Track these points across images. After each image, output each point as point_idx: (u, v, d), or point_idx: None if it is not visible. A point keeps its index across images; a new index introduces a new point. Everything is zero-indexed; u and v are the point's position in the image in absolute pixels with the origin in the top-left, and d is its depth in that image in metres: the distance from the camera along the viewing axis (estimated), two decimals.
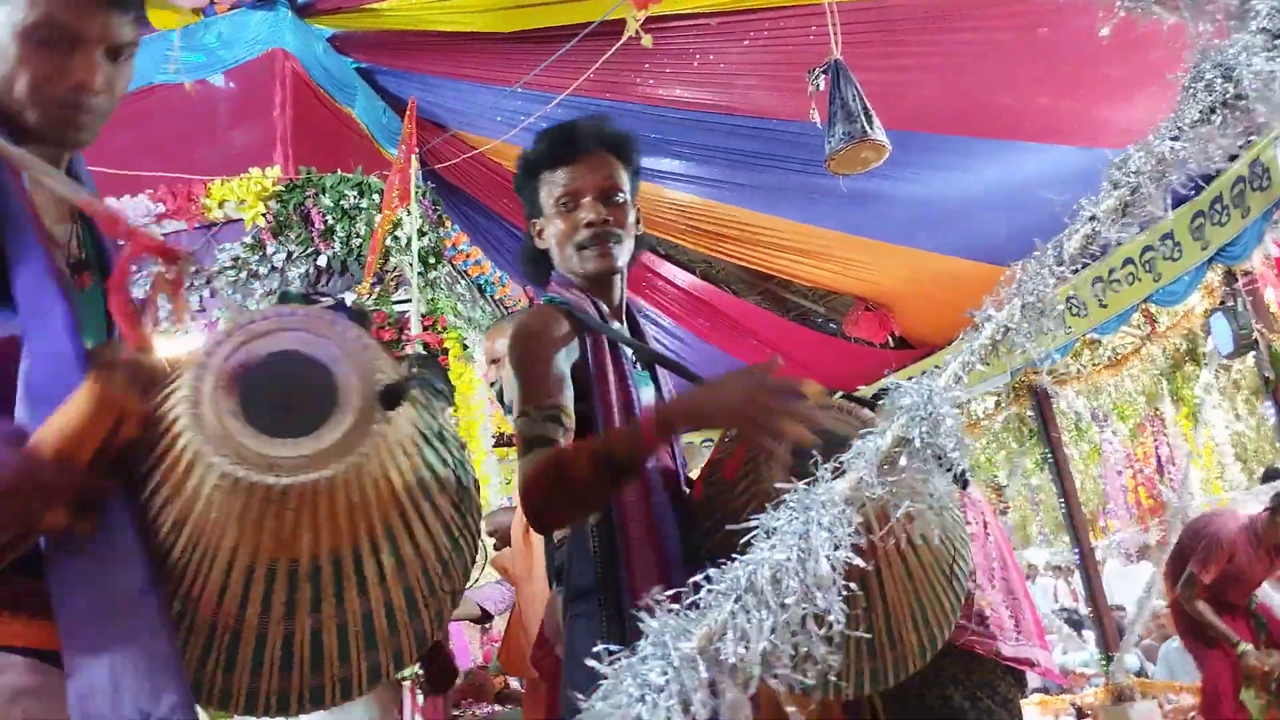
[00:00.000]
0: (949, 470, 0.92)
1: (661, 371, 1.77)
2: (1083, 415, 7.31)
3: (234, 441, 0.92)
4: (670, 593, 0.86)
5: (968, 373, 0.90)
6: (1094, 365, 6.73)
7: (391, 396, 0.96)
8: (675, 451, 1.71)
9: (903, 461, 0.90)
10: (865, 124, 3.75)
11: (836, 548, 0.87)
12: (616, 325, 1.71)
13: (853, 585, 0.89)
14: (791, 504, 0.90)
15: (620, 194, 1.69)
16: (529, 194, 1.75)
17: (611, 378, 1.60)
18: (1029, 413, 6.76)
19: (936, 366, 0.97)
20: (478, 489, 1.24)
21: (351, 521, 0.97)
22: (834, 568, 0.85)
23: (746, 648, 0.86)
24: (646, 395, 1.69)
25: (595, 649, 1.41)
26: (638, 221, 1.76)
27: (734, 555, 1.42)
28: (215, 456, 0.92)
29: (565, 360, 1.56)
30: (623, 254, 1.69)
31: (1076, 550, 6.41)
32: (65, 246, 1.19)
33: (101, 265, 1.24)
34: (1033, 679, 3.85)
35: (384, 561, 1.02)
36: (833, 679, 1.32)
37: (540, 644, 1.88)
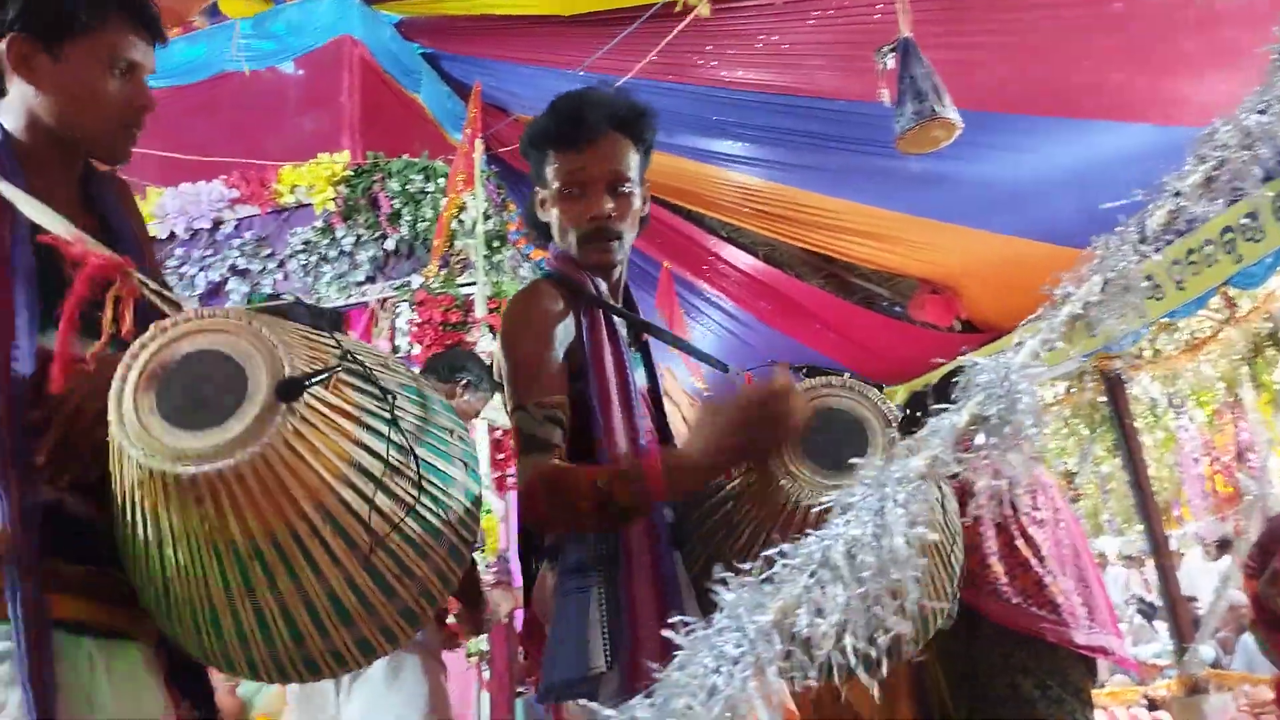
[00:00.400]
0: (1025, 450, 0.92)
1: (654, 352, 1.73)
2: (1158, 401, 7.12)
3: (149, 435, 1.01)
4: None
5: (1046, 350, 0.89)
6: (1171, 350, 6.54)
7: (287, 389, 1.01)
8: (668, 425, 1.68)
9: (979, 439, 0.90)
10: (936, 102, 3.69)
11: (913, 524, 0.87)
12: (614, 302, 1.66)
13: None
14: (867, 481, 0.90)
15: (627, 184, 1.61)
16: (534, 161, 1.67)
17: (608, 359, 1.54)
18: (1101, 398, 6.60)
19: (1019, 343, 0.96)
20: (468, 471, 1.25)
21: (276, 505, 1.02)
22: (909, 544, 0.85)
23: (821, 621, 0.86)
24: (640, 378, 1.64)
25: (589, 623, 1.41)
26: (645, 202, 1.67)
27: (716, 545, 1.42)
28: (132, 449, 1.01)
29: (562, 342, 1.52)
30: (623, 249, 1.63)
31: (1149, 539, 6.27)
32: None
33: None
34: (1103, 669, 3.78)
35: (331, 543, 1.06)
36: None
37: (531, 625, 1.85)
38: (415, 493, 1.13)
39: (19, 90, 1.30)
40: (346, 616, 1.11)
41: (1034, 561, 2.61)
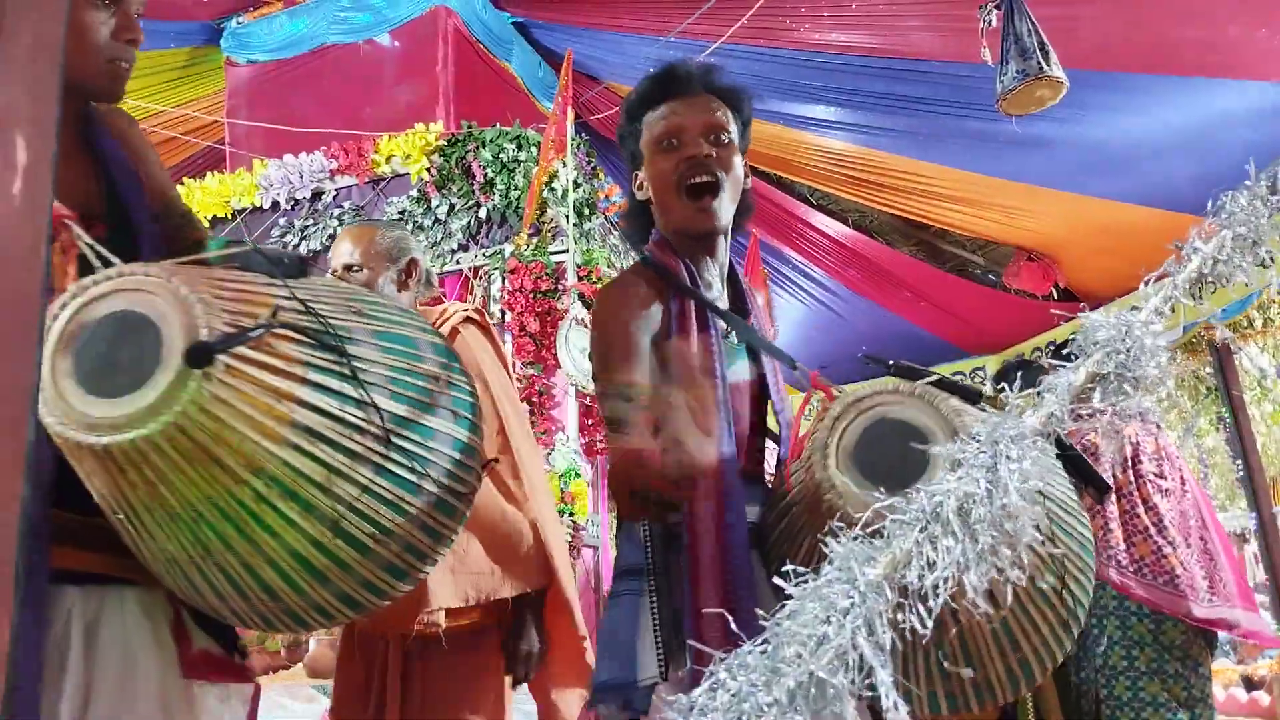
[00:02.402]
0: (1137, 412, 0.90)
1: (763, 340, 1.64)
2: (1267, 372, 6.81)
3: (63, 402, 0.96)
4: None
5: (1170, 306, 0.87)
6: None
7: (198, 355, 0.94)
8: (759, 423, 1.60)
9: (1097, 397, 0.89)
10: (1041, 60, 3.57)
11: (1026, 480, 0.86)
12: (715, 291, 1.60)
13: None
14: (980, 437, 0.90)
15: (727, 134, 1.56)
16: (630, 142, 1.64)
17: (695, 349, 1.48)
18: (1207, 370, 6.35)
19: (1134, 307, 0.94)
20: (462, 422, 1.17)
21: (207, 473, 0.97)
22: (1024, 499, 0.84)
23: (932, 574, 0.87)
24: (739, 372, 1.56)
25: (641, 629, 1.35)
26: (746, 176, 1.62)
27: (787, 549, 1.32)
28: (49, 418, 0.96)
29: (647, 329, 1.47)
30: (724, 209, 1.56)
31: (1254, 515, 6.03)
32: (73, 205, 1.23)
33: (116, 218, 1.28)
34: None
35: (282, 506, 1.01)
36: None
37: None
38: (383, 449, 1.06)
39: None
40: (320, 575, 1.06)
41: (1154, 530, 2.55)
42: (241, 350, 0.97)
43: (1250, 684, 5.64)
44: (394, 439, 1.08)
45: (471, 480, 1.20)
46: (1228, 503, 8.74)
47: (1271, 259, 0.95)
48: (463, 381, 1.23)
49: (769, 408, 1.62)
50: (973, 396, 1.28)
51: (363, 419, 1.05)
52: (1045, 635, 1.26)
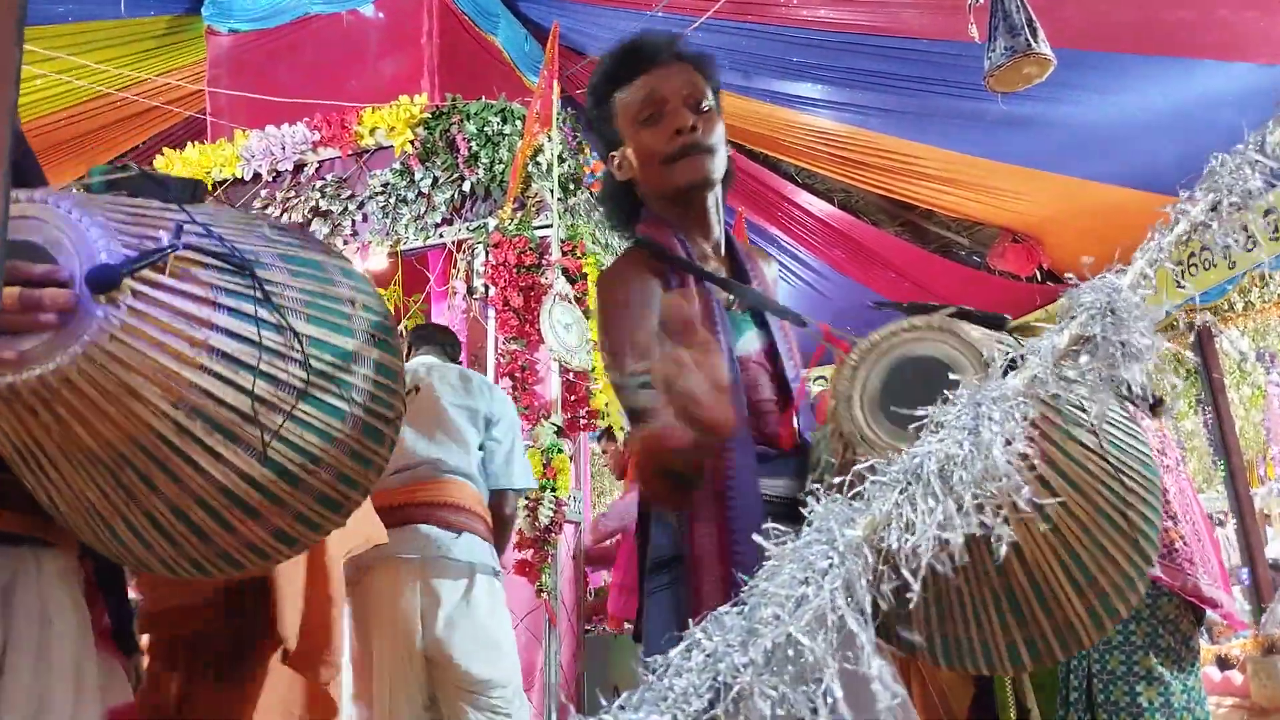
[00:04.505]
0: (1131, 386, 0.88)
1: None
2: (1247, 356, 6.86)
3: None
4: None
5: (1156, 270, 0.87)
6: (1263, 303, 6.29)
7: (100, 280, 0.88)
8: (784, 391, 1.51)
9: (1083, 360, 0.88)
10: (1029, 37, 3.56)
11: (1009, 442, 0.86)
12: (713, 264, 1.54)
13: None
14: (961, 399, 0.89)
15: (706, 102, 1.51)
16: (601, 125, 1.57)
17: (697, 325, 1.36)
18: (1188, 352, 6.39)
19: (1120, 270, 0.93)
20: (382, 348, 1.13)
21: (124, 407, 0.91)
22: (1009, 460, 0.84)
23: (912, 537, 0.86)
24: (748, 343, 1.51)
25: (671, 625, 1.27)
26: (725, 142, 1.56)
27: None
28: None
29: (651, 313, 1.40)
30: (716, 165, 1.50)
31: (1232, 497, 6.10)
32: None
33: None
34: None
35: (206, 440, 0.96)
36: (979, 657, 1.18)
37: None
38: (304, 374, 1.02)
39: None
40: (251, 511, 1.01)
41: None
42: (147, 274, 0.91)
43: (1224, 664, 5.71)
44: (314, 363, 1.03)
45: (395, 404, 1.15)
46: (1205, 485, 8.83)
47: (1255, 241, 0.94)
48: (375, 304, 1.18)
49: (783, 377, 1.54)
50: (997, 323, 1.20)
51: (282, 344, 1.01)
52: (1119, 561, 1.14)
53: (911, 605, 0.79)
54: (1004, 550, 0.81)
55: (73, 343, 0.88)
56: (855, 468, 0.89)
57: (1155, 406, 1.17)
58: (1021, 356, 0.91)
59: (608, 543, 5.28)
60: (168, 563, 1.05)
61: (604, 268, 1.67)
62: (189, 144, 5.56)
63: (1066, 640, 1.17)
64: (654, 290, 1.44)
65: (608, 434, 5.45)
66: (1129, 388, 1.11)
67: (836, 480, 1.22)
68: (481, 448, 3.05)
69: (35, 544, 1.13)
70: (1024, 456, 0.93)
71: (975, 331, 1.15)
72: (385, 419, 1.13)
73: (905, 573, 0.80)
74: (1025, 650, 1.17)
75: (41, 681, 1.08)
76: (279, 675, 2.00)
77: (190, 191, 1.06)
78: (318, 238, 1.26)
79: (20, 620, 1.09)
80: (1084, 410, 1.06)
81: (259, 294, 0.99)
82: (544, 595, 4.22)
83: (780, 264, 7.18)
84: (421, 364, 3.17)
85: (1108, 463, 1.11)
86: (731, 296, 1.52)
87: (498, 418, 3.08)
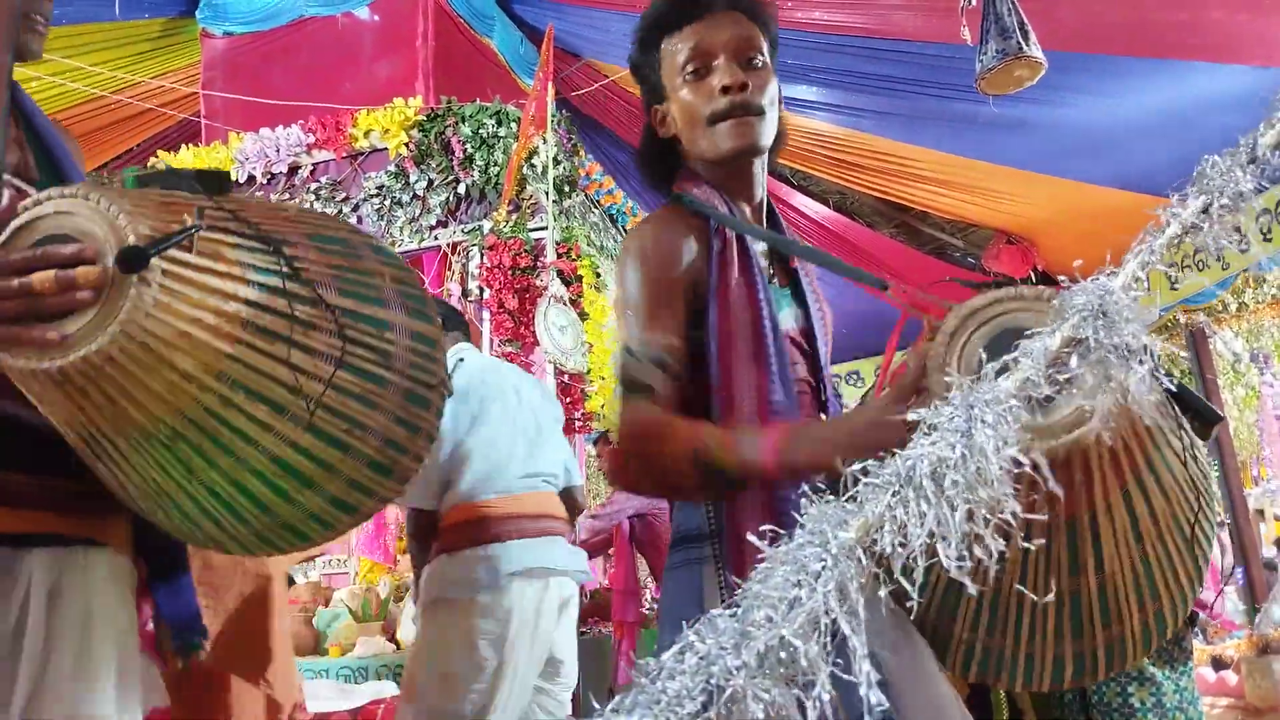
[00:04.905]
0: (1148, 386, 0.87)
1: (810, 289, 1.45)
2: (1241, 356, 6.89)
3: (9, 332, 0.95)
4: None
5: (1148, 272, 0.87)
6: (1256, 304, 6.31)
7: (130, 259, 0.92)
8: (823, 378, 1.41)
9: (1074, 362, 0.88)
10: (1021, 40, 3.57)
11: (1002, 446, 0.85)
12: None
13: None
14: (954, 401, 0.89)
15: (760, 57, 1.38)
16: (647, 72, 1.45)
17: (736, 294, 1.30)
18: (1182, 353, 6.41)
19: (1112, 272, 0.93)
20: (419, 316, 1.15)
21: (168, 382, 0.96)
22: (1001, 466, 0.83)
23: (905, 541, 0.86)
24: (788, 319, 1.39)
25: (704, 600, 1.20)
26: (779, 102, 1.44)
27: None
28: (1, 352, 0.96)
29: (682, 275, 1.30)
30: (766, 130, 1.38)
31: (1226, 497, 6.12)
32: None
33: (52, 183, 1.23)
34: None
35: (250, 410, 1.00)
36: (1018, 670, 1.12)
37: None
38: (340, 343, 1.05)
39: None
40: (305, 479, 1.05)
41: None
42: (177, 254, 0.96)
43: (1219, 664, 5.72)
44: (350, 333, 1.07)
45: (438, 370, 1.18)
46: None
47: (1248, 244, 0.94)
48: (406, 276, 1.20)
49: (817, 361, 1.42)
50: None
51: (315, 314, 1.04)
52: (1183, 579, 1.08)
53: (911, 615, 0.77)
54: (994, 568, 0.79)
55: (111, 322, 0.92)
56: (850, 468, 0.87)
57: (1207, 426, 1.06)
58: (1015, 359, 0.91)
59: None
60: (239, 540, 1.10)
61: (639, 221, 1.53)
62: (183, 147, 5.56)
63: (1114, 656, 1.11)
64: (688, 251, 1.31)
65: (604, 438, 5.45)
66: (1184, 404, 1.07)
67: None
68: None
69: (85, 544, 1.17)
70: (1115, 460, 0.89)
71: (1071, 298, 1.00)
72: (428, 385, 1.16)
73: (902, 581, 0.80)
74: (1071, 665, 1.11)
75: (82, 683, 1.12)
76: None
77: (217, 183, 1.11)
78: (343, 219, 1.28)
79: (64, 621, 1.13)
80: (1176, 422, 1.02)
81: (287, 269, 1.03)
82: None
83: None
84: (494, 366, 3.03)
85: (1188, 471, 1.04)
86: (771, 270, 1.41)
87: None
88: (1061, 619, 1.07)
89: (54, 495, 1.12)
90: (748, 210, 1.42)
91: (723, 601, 1.20)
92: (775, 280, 1.41)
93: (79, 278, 0.93)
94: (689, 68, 1.38)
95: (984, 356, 1.00)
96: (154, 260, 0.94)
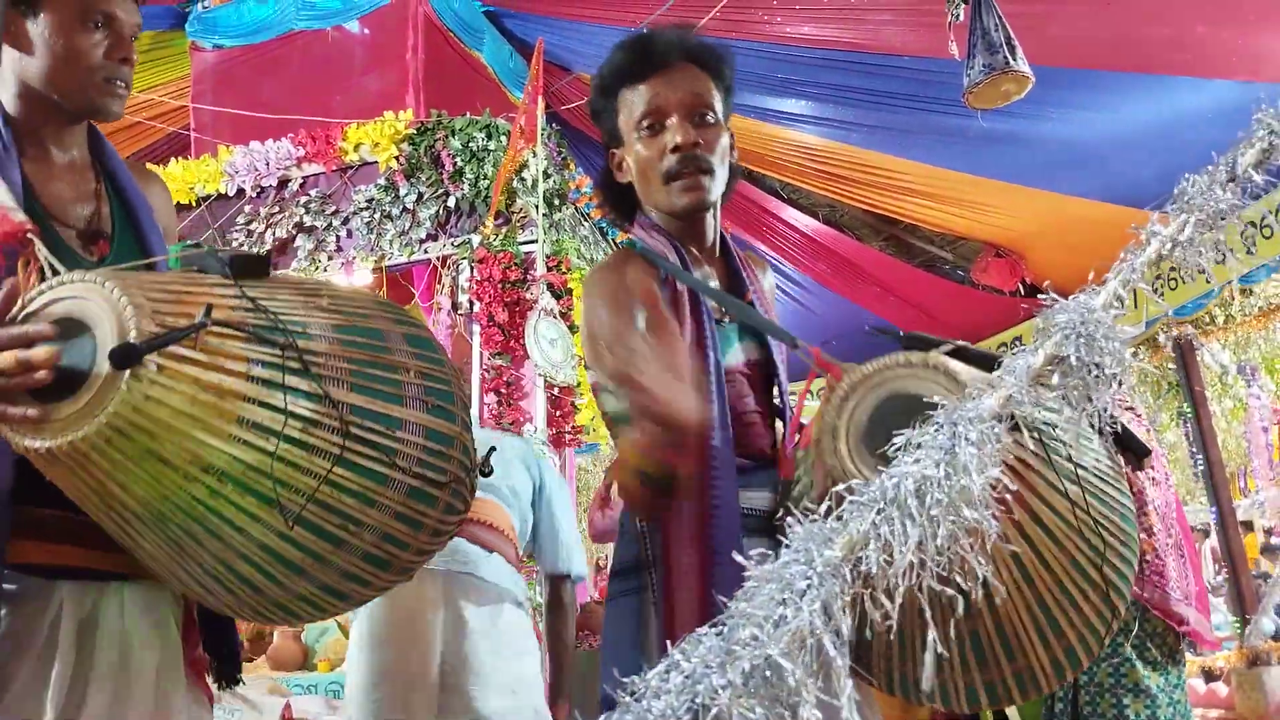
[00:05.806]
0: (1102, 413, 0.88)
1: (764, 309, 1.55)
2: (1228, 369, 6.92)
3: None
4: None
5: (1129, 291, 0.87)
6: (1243, 316, 6.35)
7: (122, 356, 0.96)
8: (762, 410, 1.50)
9: (1055, 380, 0.88)
10: (1008, 55, 3.60)
11: (984, 467, 0.86)
12: (706, 270, 1.52)
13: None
14: (938, 419, 0.89)
15: (711, 113, 1.47)
16: (606, 119, 1.53)
17: (687, 334, 1.39)
18: (1170, 365, 6.44)
19: (1094, 289, 0.94)
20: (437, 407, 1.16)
21: (155, 470, 1.00)
22: (983, 486, 0.84)
23: (890, 560, 0.86)
24: (737, 354, 1.48)
25: (643, 629, 1.26)
26: (732, 148, 1.54)
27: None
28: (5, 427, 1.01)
29: (639, 315, 1.37)
30: (715, 186, 1.48)
31: (1214, 510, 6.13)
32: (75, 221, 1.30)
33: (126, 236, 1.34)
34: None
35: (240, 502, 1.03)
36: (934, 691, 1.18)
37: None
38: (340, 440, 1.06)
39: (8, 57, 1.28)
40: (294, 568, 1.07)
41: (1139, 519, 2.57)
42: (177, 350, 0.99)
43: (1209, 676, 5.74)
44: (355, 430, 1.08)
45: (452, 468, 1.18)
46: (1188, 498, 8.87)
47: (1230, 255, 0.95)
48: (438, 371, 1.21)
49: (775, 391, 1.53)
50: (991, 364, 1.13)
51: (318, 410, 1.06)
52: (1088, 615, 1.14)
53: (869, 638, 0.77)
54: (979, 592, 0.80)
55: (100, 413, 0.97)
56: (834, 489, 0.89)
57: (1140, 459, 1.12)
58: (999, 376, 0.91)
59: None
60: (230, 608, 1.13)
61: (593, 266, 1.63)
62: (173, 159, 5.55)
63: (1026, 685, 1.18)
64: (645, 294, 1.40)
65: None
66: (1118, 439, 1.13)
67: (806, 504, 1.19)
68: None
69: (122, 579, 1.20)
70: (1003, 504, 0.93)
71: (968, 373, 1.12)
72: (437, 484, 1.16)
73: (885, 600, 0.80)
74: (984, 692, 1.19)
75: (119, 714, 1.15)
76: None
77: (257, 266, 1.14)
78: (396, 306, 1.30)
79: (101, 653, 1.16)
80: (1071, 461, 1.07)
81: (292, 365, 1.05)
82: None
83: None
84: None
85: (1091, 516, 1.10)
86: (722, 310, 1.48)
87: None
88: (965, 652, 1.14)
89: (84, 530, 1.14)
90: (701, 253, 1.52)
91: (660, 630, 1.27)
92: (727, 318, 1.48)
93: (33, 359, 0.97)
94: (644, 123, 1.47)
95: (865, 421, 1.12)
96: (152, 354, 0.98)
